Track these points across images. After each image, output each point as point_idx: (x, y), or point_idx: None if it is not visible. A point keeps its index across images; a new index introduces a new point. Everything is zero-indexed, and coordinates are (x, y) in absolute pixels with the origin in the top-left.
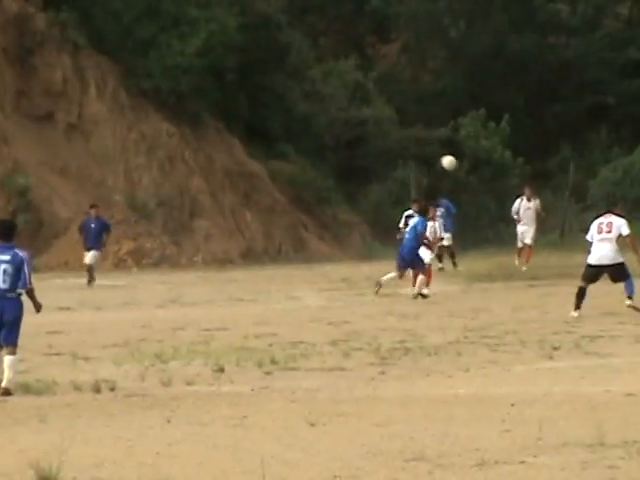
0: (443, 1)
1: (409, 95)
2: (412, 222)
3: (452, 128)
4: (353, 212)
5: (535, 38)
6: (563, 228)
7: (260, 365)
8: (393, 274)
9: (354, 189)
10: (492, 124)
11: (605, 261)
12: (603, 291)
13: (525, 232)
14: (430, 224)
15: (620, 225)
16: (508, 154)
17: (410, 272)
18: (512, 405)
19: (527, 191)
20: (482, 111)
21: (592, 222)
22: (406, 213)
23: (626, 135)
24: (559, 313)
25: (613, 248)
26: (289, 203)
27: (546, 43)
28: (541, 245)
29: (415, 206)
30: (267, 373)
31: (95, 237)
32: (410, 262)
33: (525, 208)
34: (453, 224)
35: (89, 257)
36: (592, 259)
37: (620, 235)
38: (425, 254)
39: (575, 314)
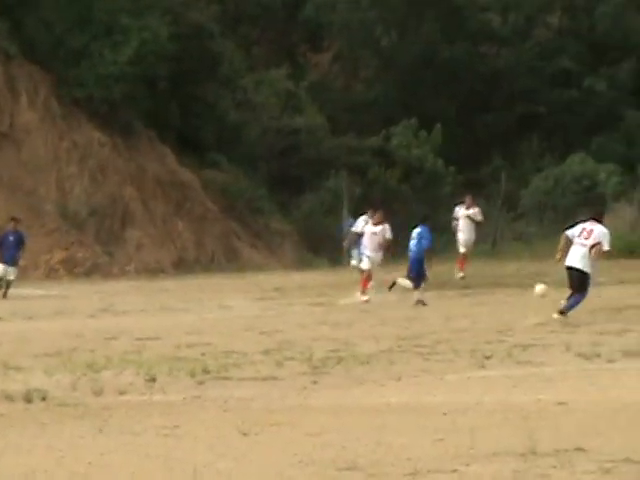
0: (375, 10)
1: (341, 104)
2: (416, 232)
3: (384, 137)
4: (285, 221)
5: (466, 47)
6: (495, 237)
7: (192, 374)
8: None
9: (286, 198)
10: (424, 133)
11: (572, 263)
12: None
13: (466, 240)
14: (380, 228)
15: (601, 236)
16: (440, 163)
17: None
18: (444, 414)
19: (467, 200)
20: (414, 120)
21: (576, 224)
22: (362, 218)
23: (557, 144)
24: (491, 322)
25: (584, 255)
26: (221, 212)
27: (477, 52)
28: (473, 254)
29: (370, 212)
30: (199, 382)
31: (13, 251)
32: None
33: (464, 216)
34: None
35: (9, 272)
36: (566, 262)
37: (598, 244)
38: (365, 260)
39: (563, 301)
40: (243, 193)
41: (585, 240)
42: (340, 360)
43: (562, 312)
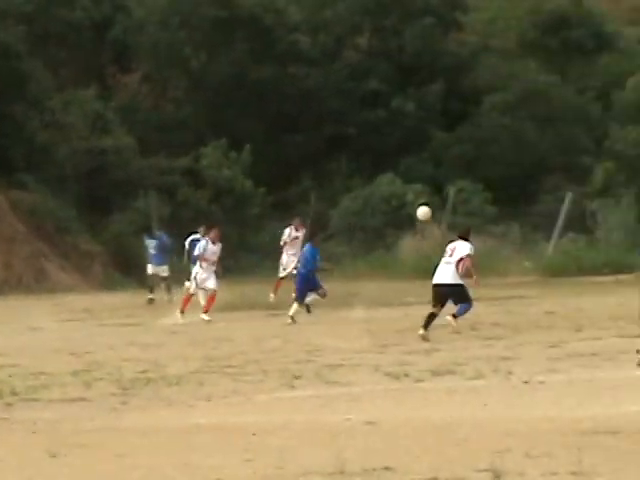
0: (183, 31)
1: (151, 124)
2: (305, 250)
3: (194, 157)
4: (94, 242)
5: (275, 68)
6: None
7: (0, 396)
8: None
9: (95, 219)
10: (234, 154)
11: (441, 280)
12: (340, 317)
13: (290, 262)
14: (218, 246)
15: (463, 249)
16: (249, 184)
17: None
18: (254, 434)
19: (296, 221)
20: (224, 140)
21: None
22: (192, 237)
23: (366, 164)
24: (300, 342)
25: (452, 270)
26: (30, 233)
27: (286, 73)
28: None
29: (202, 229)
30: (7, 404)
31: None
32: (307, 288)
33: (293, 238)
34: (167, 256)
35: None
36: (433, 279)
37: (462, 259)
38: (211, 280)
39: (421, 331)
40: (52, 213)
41: (450, 258)
42: (149, 381)
43: (454, 315)
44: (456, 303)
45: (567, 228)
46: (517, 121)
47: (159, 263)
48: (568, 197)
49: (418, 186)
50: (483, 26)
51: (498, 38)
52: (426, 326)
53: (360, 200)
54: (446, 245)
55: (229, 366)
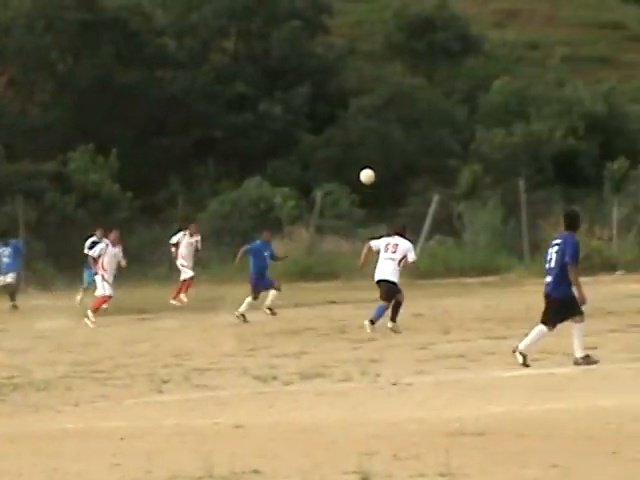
0: (50, 35)
1: (16, 129)
2: (256, 246)
3: (61, 162)
4: None
5: (142, 72)
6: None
7: None
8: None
9: None
10: (101, 158)
11: (382, 276)
12: (208, 321)
13: (189, 266)
14: (119, 249)
15: (407, 249)
16: (117, 188)
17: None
18: (122, 439)
19: (192, 228)
20: (91, 145)
21: (380, 238)
22: (91, 239)
23: (234, 168)
24: (169, 346)
25: (393, 267)
26: None
27: (153, 77)
28: (152, 278)
29: (99, 232)
30: None
31: None
32: (263, 286)
33: (188, 243)
34: (19, 263)
35: None
36: (375, 276)
37: (404, 258)
38: (105, 285)
39: (389, 325)
40: None
41: (393, 254)
42: (16, 387)
43: (372, 321)
44: (383, 298)
45: (434, 230)
46: (384, 124)
47: (8, 270)
48: (435, 199)
49: (286, 189)
50: (349, 29)
51: (364, 41)
52: (393, 318)
53: (228, 204)
54: (382, 237)
55: (97, 371)
